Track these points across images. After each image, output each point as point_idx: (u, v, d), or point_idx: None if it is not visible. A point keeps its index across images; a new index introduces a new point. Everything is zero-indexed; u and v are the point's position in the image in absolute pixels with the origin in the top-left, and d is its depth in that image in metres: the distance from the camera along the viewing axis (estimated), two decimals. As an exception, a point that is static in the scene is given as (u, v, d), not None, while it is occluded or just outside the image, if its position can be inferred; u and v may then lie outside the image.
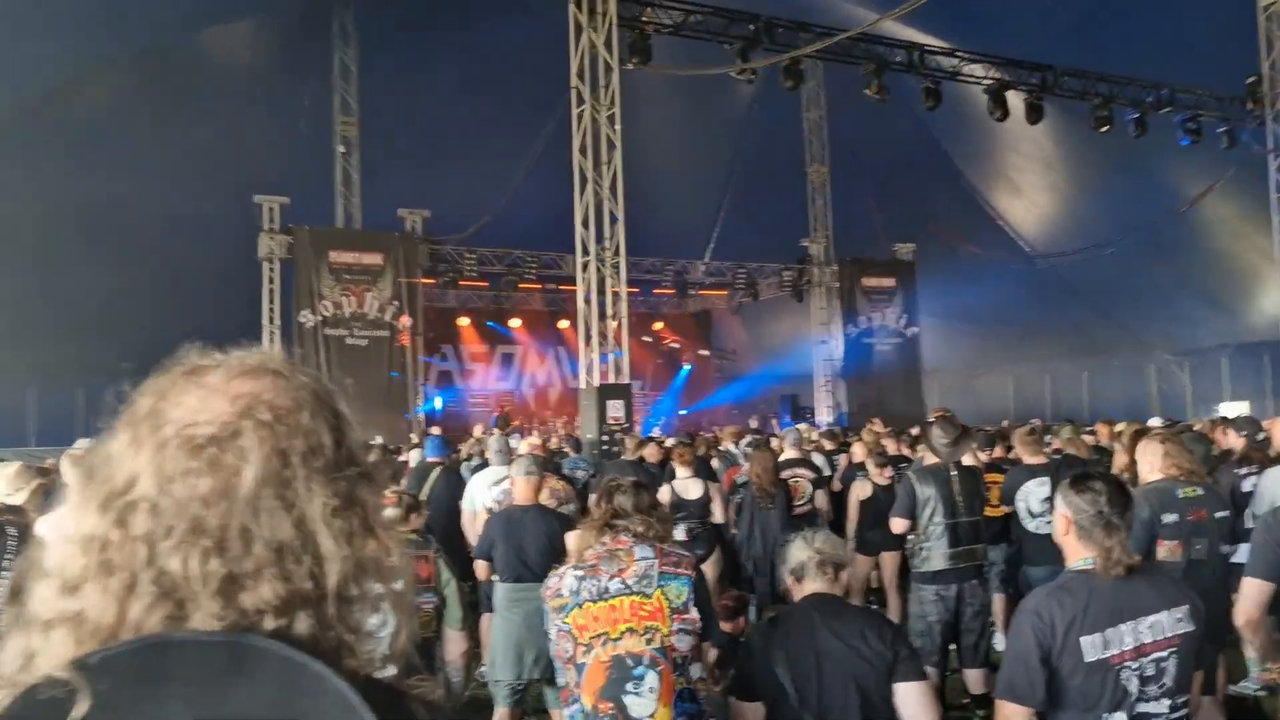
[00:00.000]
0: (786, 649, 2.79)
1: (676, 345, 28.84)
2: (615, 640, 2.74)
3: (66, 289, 16.68)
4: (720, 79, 16.74)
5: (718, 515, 7.27)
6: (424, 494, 7.30)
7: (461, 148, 18.97)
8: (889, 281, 22.89)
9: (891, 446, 9.17)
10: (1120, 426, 9.24)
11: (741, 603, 6.08)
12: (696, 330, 29.52)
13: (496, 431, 12.94)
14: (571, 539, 3.33)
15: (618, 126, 13.23)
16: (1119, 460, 7.24)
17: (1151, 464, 4.36)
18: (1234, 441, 6.59)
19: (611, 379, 13.57)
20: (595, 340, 13.57)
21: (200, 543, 0.78)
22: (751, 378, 27.96)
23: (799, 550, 3.05)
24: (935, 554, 5.53)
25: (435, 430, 14.84)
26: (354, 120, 19.37)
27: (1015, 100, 16.66)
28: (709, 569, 6.56)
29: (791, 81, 15.31)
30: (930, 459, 5.92)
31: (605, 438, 12.46)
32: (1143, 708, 2.40)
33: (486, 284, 21.85)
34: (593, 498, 7.57)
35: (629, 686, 2.70)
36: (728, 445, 10.70)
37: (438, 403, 22.19)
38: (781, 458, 8.01)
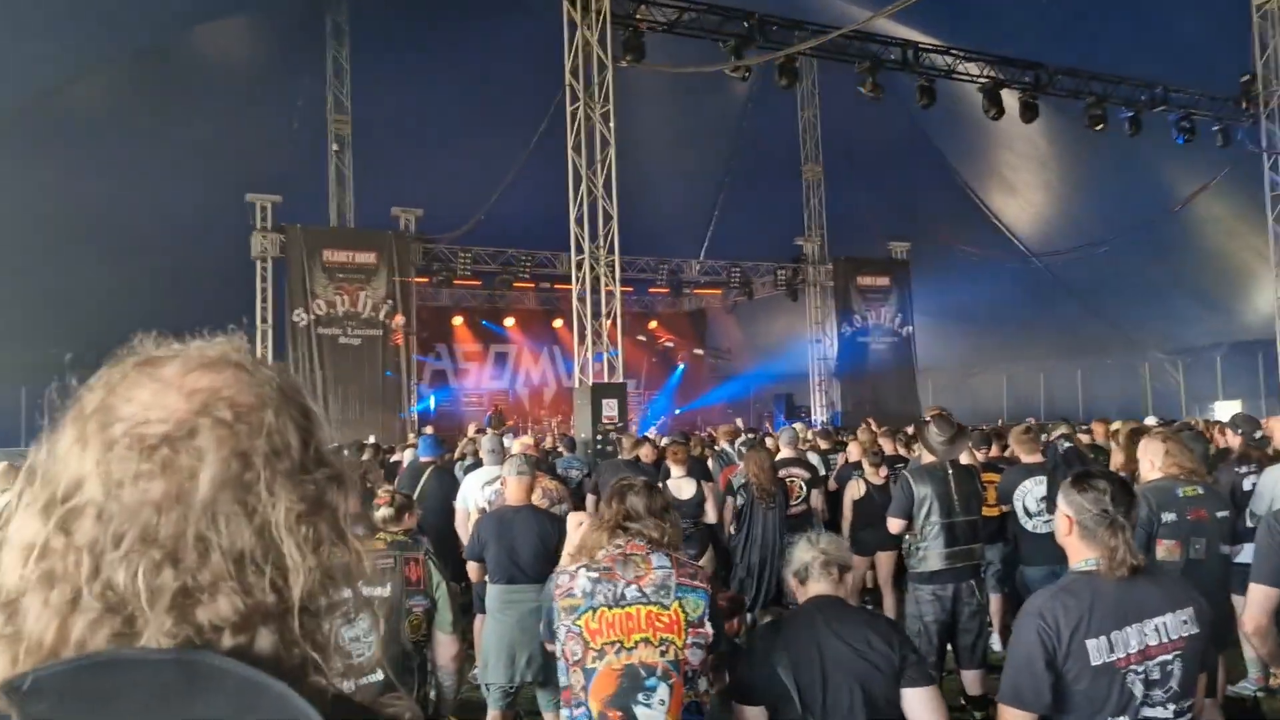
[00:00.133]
0: (790, 652, 2.72)
1: (671, 344, 28.82)
2: (629, 649, 2.69)
3: (59, 288, 16.58)
4: (715, 78, 16.68)
5: (711, 515, 7.22)
6: (416, 494, 7.25)
7: (455, 146, 18.90)
8: (884, 280, 22.86)
9: (887, 446, 9.13)
10: (1116, 425, 9.21)
11: (737, 603, 6.02)
12: (691, 329, 29.49)
13: (490, 431, 12.87)
14: (573, 529, 3.24)
15: (612, 124, 13.18)
16: (1115, 459, 7.21)
17: (1152, 462, 4.31)
18: (1233, 440, 6.56)
19: (606, 378, 13.51)
20: (589, 339, 13.52)
21: (151, 552, 0.71)
22: (746, 377, 27.94)
23: (803, 551, 2.99)
24: (932, 554, 5.48)
25: (428, 430, 14.78)
26: (347, 118, 19.29)
27: (1010, 99, 16.63)
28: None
29: (786, 80, 15.25)
30: (927, 458, 5.87)
31: (599, 437, 12.41)
32: (1148, 712, 2.34)
33: (480, 283, 21.77)
34: (590, 500, 7.54)
35: (640, 697, 2.65)
36: (723, 445, 10.64)
37: (431, 402, 22.12)
38: (777, 457, 7.95)
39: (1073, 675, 2.32)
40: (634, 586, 2.74)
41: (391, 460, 10.95)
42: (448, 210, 18.32)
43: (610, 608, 2.72)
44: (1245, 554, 4.09)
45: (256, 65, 18.59)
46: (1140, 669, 2.34)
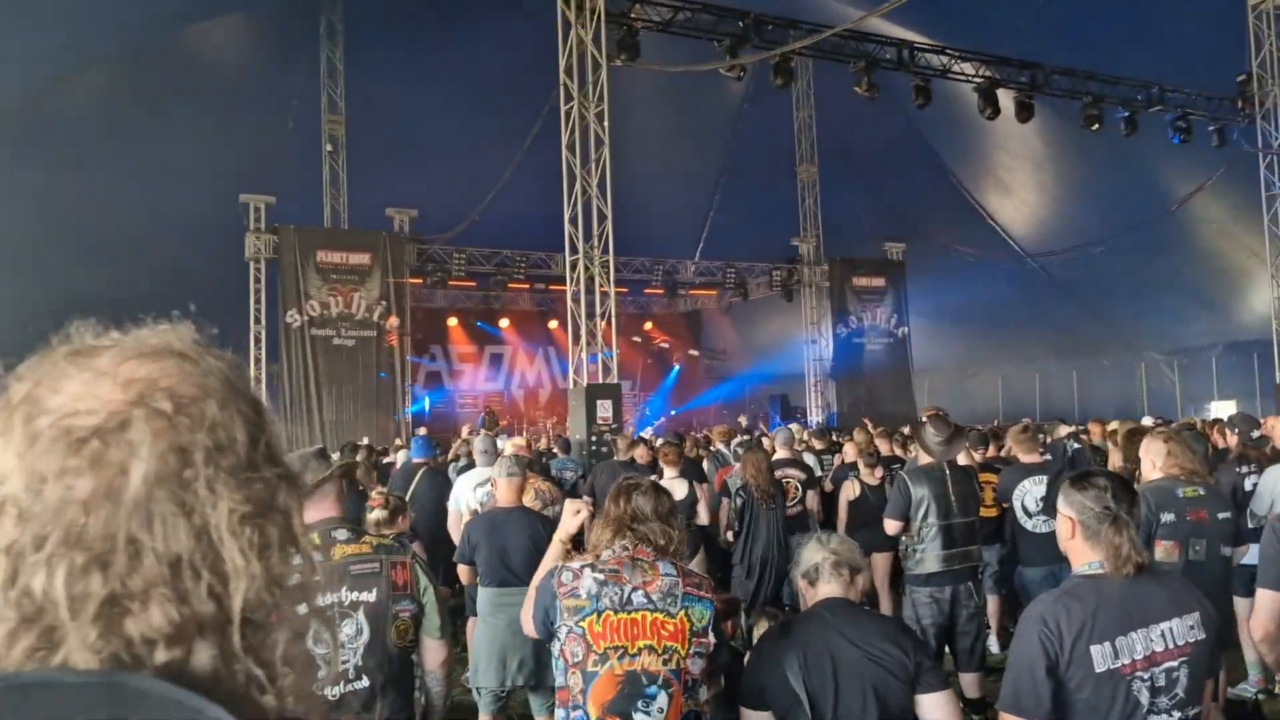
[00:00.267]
0: (800, 656, 2.64)
1: (666, 345, 28.76)
2: (633, 655, 2.63)
3: (51, 289, 16.45)
4: (710, 79, 16.63)
5: (703, 517, 7.15)
6: (408, 496, 7.18)
7: (450, 146, 18.83)
8: (879, 281, 22.82)
9: (883, 446, 9.09)
10: (1114, 425, 9.16)
11: (732, 605, 5.96)
12: (687, 330, 29.45)
13: (483, 432, 12.79)
14: (570, 516, 3.16)
15: (606, 123, 13.12)
16: (1113, 459, 7.18)
17: (1154, 462, 4.25)
18: (1232, 440, 6.52)
19: (601, 379, 13.44)
20: (584, 339, 13.45)
21: (75, 556, 0.64)
22: (741, 378, 27.89)
23: (813, 552, 2.90)
24: (929, 555, 5.42)
25: (422, 431, 14.71)
26: (341, 119, 19.21)
27: (1005, 99, 16.60)
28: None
29: (781, 79, 15.22)
30: (923, 459, 5.81)
31: (594, 438, 12.35)
32: (1153, 720, 2.27)
33: (475, 284, 21.70)
34: (586, 498, 7.47)
35: (640, 704, 2.60)
36: (719, 445, 10.58)
37: (425, 404, 22.04)
38: (773, 458, 7.89)
39: (1075, 682, 2.25)
40: (640, 591, 2.69)
41: (384, 462, 10.88)
42: (442, 211, 18.26)
43: (616, 612, 2.66)
44: (1251, 555, 4.03)
45: (250, 65, 18.51)
46: (1146, 676, 2.26)
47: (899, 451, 9.19)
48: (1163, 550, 4.15)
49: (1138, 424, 7.95)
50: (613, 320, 13.54)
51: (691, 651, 2.68)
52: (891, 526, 5.67)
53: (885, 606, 7.41)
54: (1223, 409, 18.39)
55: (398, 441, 13.53)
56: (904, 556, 5.67)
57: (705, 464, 9.48)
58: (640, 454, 8.68)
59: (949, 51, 16.53)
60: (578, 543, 3.14)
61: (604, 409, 12.54)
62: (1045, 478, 6.09)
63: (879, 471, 7.71)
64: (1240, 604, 4.82)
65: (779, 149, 22.47)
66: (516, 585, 4.71)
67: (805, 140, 22.54)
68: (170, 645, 0.65)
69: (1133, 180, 19.33)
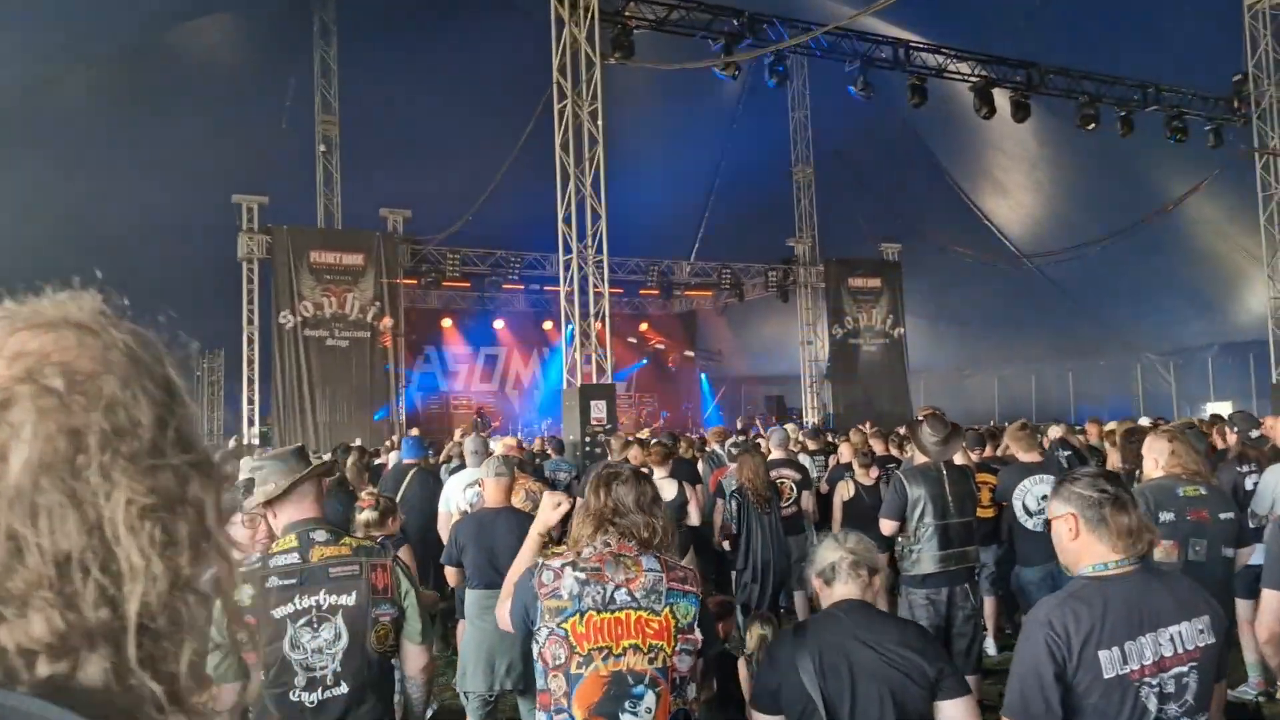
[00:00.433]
0: (815, 658, 2.55)
1: (662, 346, 28.65)
2: (618, 656, 2.54)
3: (40, 290, 16.32)
4: (705, 79, 16.55)
5: (694, 518, 7.07)
6: (398, 496, 7.10)
7: (443, 146, 18.76)
8: (875, 282, 22.75)
9: (878, 447, 9.02)
10: (1111, 425, 9.11)
11: (725, 607, 5.88)
12: (682, 331, 29.34)
13: (475, 433, 12.70)
14: (550, 508, 3.07)
15: (600, 122, 13.04)
16: (1111, 460, 7.12)
17: (1156, 460, 4.18)
18: (1232, 439, 6.46)
19: (595, 379, 13.36)
20: (578, 340, 13.36)
21: None
22: (737, 379, 27.80)
23: (829, 551, 2.78)
24: (925, 556, 5.34)
25: (414, 431, 14.60)
26: (334, 118, 19.12)
27: (1001, 98, 16.54)
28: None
29: (776, 79, 15.16)
30: (920, 459, 5.73)
31: (588, 439, 12.26)
32: (1162, 726, 2.18)
33: (469, 284, 21.60)
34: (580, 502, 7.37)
35: (627, 705, 2.51)
36: (714, 446, 10.50)
37: (414, 400, 21.90)
38: (768, 458, 7.81)
39: (1083, 688, 2.16)
40: (624, 590, 2.58)
41: (376, 463, 10.78)
42: (436, 211, 18.16)
43: (599, 612, 2.56)
44: (1257, 556, 3.95)
45: (243, 64, 18.42)
46: (1154, 681, 2.18)
47: (895, 451, 9.12)
48: (1162, 550, 4.07)
49: (1135, 424, 7.90)
50: (606, 320, 13.46)
51: (678, 649, 2.58)
52: (887, 527, 5.58)
53: (880, 607, 7.33)
54: (1219, 409, 18.36)
55: (388, 443, 13.43)
56: (900, 557, 5.59)
57: (700, 465, 9.41)
58: (634, 455, 8.59)
59: (945, 50, 16.48)
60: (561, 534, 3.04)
61: (598, 409, 12.46)
62: (1046, 476, 6.00)
63: (874, 471, 7.64)
64: (1241, 605, 4.75)
65: (774, 149, 22.40)
66: (505, 587, 4.62)
67: (800, 140, 22.49)
68: (53, 657, 0.56)
69: (1128, 180, 19.30)
